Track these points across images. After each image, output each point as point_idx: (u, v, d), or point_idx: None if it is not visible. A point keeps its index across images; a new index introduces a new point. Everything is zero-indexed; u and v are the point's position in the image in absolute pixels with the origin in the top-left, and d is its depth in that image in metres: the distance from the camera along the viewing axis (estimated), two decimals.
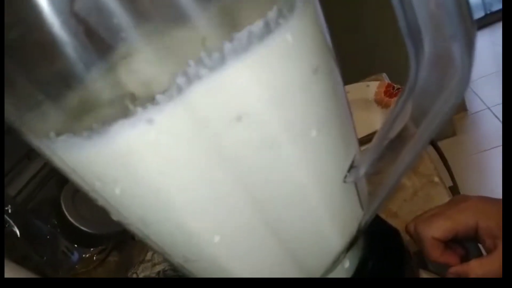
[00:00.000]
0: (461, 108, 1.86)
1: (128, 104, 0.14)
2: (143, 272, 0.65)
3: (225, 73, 0.14)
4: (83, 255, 0.61)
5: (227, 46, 0.14)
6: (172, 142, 0.15)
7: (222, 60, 0.14)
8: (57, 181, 0.63)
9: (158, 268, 0.62)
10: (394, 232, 0.28)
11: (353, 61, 1.24)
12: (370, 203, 0.23)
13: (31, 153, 0.66)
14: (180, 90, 0.14)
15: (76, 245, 0.61)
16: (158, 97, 0.14)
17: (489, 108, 1.83)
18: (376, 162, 0.20)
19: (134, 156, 0.15)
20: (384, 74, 0.86)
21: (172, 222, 0.18)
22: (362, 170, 0.20)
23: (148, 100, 0.14)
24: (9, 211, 0.54)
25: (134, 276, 0.65)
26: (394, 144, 0.19)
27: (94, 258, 0.63)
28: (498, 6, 2.46)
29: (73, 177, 0.18)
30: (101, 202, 0.19)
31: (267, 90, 0.15)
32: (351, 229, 0.23)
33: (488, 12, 2.47)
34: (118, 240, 0.64)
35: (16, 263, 0.44)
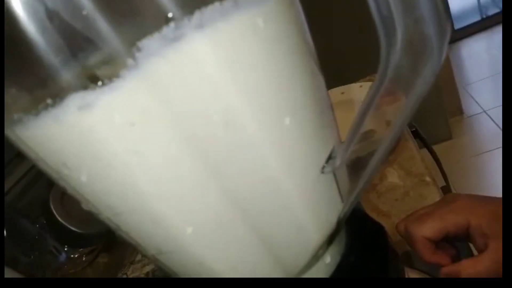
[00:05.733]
0: (458, 111, 1.86)
1: (88, 84, 0.14)
2: (133, 273, 0.64)
3: (186, 49, 0.14)
4: (72, 255, 0.60)
5: (189, 21, 0.14)
6: (134, 120, 0.14)
7: (183, 36, 0.14)
8: (46, 181, 0.63)
9: (148, 268, 0.62)
10: (377, 227, 0.28)
11: (349, 62, 1.25)
12: (349, 194, 0.22)
13: (20, 154, 0.65)
14: (140, 65, 0.14)
15: (65, 245, 0.60)
16: (120, 73, 0.14)
17: (485, 111, 1.83)
18: (353, 152, 0.20)
19: (94, 134, 0.15)
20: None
21: (141, 211, 0.18)
22: (338, 160, 0.20)
23: (108, 77, 0.14)
24: None
25: (124, 277, 0.64)
26: (370, 132, 0.19)
27: (83, 258, 0.62)
28: (494, 10, 2.47)
29: (41, 164, 0.18)
30: (70, 191, 0.18)
31: (231, 71, 0.15)
32: (331, 221, 0.23)
33: (484, 16, 2.48)
34: (108, 240, 0.64)
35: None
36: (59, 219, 0.59)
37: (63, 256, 0.59)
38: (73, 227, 0.59)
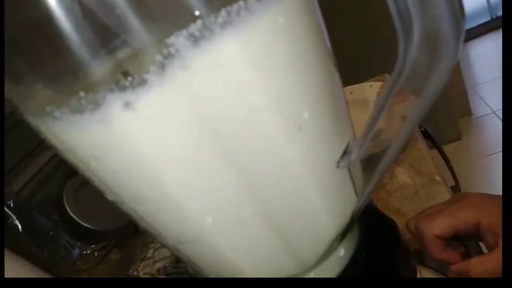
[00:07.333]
0: (467, 112, 1.85)
1: (120, 79, 0.15)
2: (144, 269, 0.65)
3: (212, 46, 0.15)
4: (84, 251, 0.62)
5: (215, 19, 0.14)
6: (161, 117, 0.15)
7: (210, 33, 0.14)
8: (60, 177, 0.64)
9: (159, 265, 0.63)
10: (389, 222, 0.28)
11: (358, 62, 1.25)
12: (363, 189, 0.23)
13: (35, 150, 0.67)
14: (168, 65, 0.14)
15: (77, 241, 0.61)
16: (149, 72, 0.15)
17: (494, 112, 1.82)
18: (368, 147, 0.20)
19: (124, 131, 0.15)
20: (387, 75, 0.86)
21: (164, 202, 0.18)
22: (354, 155, 0.20)
23: (139, 75, 0.14)
24: (11, 205, 0.55)
25: (135, 273, 0.65)
26: (378, 132, 0.19)
27: (95, 254, 0.63)
28: None
29: (69, 155, 0.19)
30: (95, 181, 0.19)
31: (254, 67, 0.16)
32: (345, 215, 0.23)
33: (494, 16, 2.46)
34: (120, 237, 0.65)
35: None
36: (72, 215, 0.60)
37: (76, 252, 0.61)
38: (85, 224, 0.60)
